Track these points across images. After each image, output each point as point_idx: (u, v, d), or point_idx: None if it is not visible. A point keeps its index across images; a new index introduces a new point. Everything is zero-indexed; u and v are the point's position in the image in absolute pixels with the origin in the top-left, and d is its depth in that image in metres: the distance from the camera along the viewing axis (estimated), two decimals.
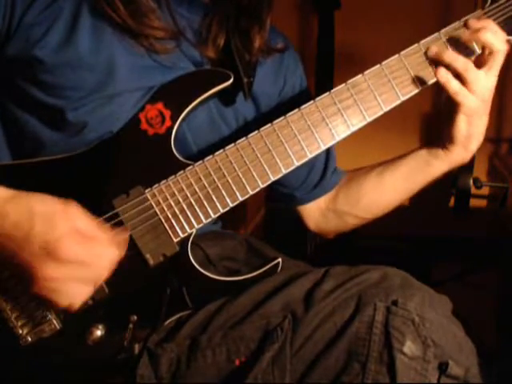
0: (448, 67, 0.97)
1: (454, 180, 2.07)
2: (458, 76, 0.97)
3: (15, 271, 0.83)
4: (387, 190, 1.17)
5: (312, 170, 1.19)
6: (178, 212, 0.93)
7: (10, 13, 0.91)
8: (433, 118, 2.36)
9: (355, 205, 1.20)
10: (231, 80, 0.97)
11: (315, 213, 1.23)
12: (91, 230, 0.81)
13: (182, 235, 0.93)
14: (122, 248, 0.85)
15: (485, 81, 0.98)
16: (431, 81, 1.00)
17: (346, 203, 1.20)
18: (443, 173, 1.12)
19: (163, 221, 0.92)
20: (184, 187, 0.93)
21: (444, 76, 0.97)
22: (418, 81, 1.00)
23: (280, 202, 1.24)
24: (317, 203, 1.22)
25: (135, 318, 0.91)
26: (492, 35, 0.95)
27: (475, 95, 0.98)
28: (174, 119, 0.94)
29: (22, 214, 0.79)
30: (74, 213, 0.80)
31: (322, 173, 1.20)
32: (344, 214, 1.21)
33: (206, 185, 0.94)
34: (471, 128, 1.02)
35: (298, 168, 0.99)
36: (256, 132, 0.96)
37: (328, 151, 1.09)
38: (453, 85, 0.97)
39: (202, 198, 0.94)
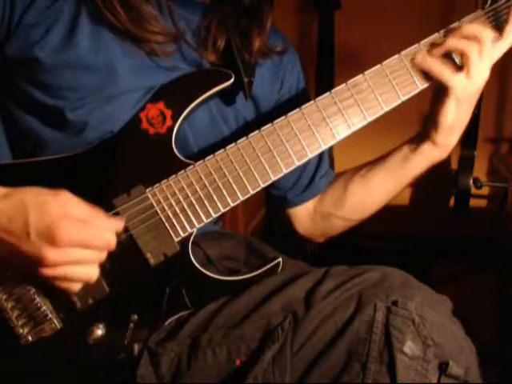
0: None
1: (454, 180, 2.07)
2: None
3: (20, 266, 0.84)
4: (372, 190, 1.16)
5: (303, 171, 1.18)
6: (178, 211, 0.93)
7: (9, 13, 0.92)
8: None
9: (341, 206, 1.19)
10: (232, 80, 0.97)
11: (304, 216, 1.22)
12: (84, 214, 0.82)
13: (182, 234, 0.93)
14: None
15: (483, 68, 0.98)
16: (431, 81, 1.01)
17: (333, 205, 1.20)
18: (425, 169, 1.12)
19: (164, 220, 0.92)
20: (185, 186, 0.93)
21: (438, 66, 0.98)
22: (419, 81, 1.00)
23: (271, 203, 1.24)
24: (305, 206, 1.21)
25: (136, 317, 0.91)
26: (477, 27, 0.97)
27: (472, 80, 0.98)
28: (174, 119, 0.94)
29: (15, 208, 0.80)
30: (65, 199, 0.81)
31: (312, 175, 1.19)
32: (330, 215, 1.20)
33: (207, 184, 0.94)
34: (458, 114, 1.02)
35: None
36: (257, 132, 0.96)
37: (320, 154, 1.09)
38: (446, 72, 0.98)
39: (203, 197, 0.94)
